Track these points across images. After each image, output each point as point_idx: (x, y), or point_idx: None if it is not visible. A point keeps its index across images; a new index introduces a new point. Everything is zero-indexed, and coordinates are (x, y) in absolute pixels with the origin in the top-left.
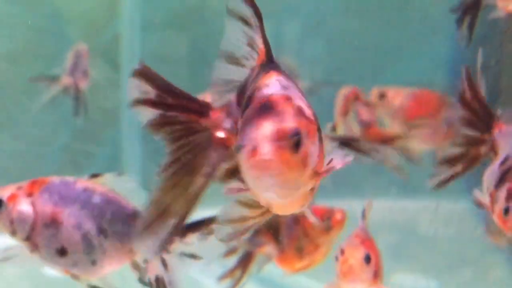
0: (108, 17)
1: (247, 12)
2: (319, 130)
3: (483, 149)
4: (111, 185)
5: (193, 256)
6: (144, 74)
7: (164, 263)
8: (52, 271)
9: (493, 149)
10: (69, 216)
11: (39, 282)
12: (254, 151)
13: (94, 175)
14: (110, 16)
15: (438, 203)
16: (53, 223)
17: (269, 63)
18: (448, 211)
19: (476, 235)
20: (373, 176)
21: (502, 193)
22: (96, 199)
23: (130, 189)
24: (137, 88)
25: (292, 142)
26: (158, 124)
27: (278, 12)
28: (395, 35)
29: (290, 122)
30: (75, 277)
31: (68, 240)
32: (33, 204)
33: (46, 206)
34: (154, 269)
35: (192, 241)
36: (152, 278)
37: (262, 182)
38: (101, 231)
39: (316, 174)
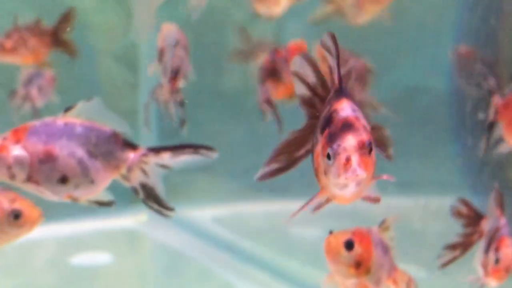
0: (126, 25)
1: (331, 47)
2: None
3: (475, 237)
4: (84, 112)
5: (165, 167)
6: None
7: (144, 172)
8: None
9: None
10: (60, 148)
11: (66, 271)
12: (347, 157)
13: (68, 109)
14: (128, 25)
15: (428, 200)
16: (48, 158)
17: (341, 91)
18: (438, 207)
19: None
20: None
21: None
22: (78, 129)
23: (101, 112)
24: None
25: (368, 149)
26: (306, 101)
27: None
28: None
29: (364, 136)
30: (75, 199)
31: (66, 169)
32: (24, 148)
33: (37, 146)
34: (137, 178)
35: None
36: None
37: (345, 179)
38: (91, 154)
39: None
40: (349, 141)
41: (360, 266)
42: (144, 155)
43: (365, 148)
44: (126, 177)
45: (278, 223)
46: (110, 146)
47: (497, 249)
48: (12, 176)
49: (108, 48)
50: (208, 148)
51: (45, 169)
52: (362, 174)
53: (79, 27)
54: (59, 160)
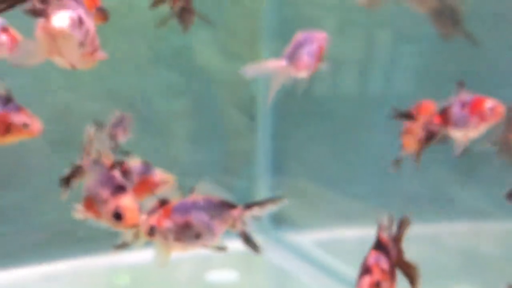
0: (248, 81)
1: None
2: None
3: None
4: (203, 190)
5: (257, 218)
6: None
7: (243, 223)
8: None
9: None
10: (195, 217)
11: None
12: None
13: (191, 189)
14: (250, 80)
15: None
16: (188, 225)
17: None
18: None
19: None
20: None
21: None
22: (202, 203)
23: (214, 188)
24: None
25: None
26: None
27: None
28: None
29: None
30: (205, 246)
31: (199, 229)
32: (172, 220)
33: (179, 218)
34: (239, 226)
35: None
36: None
37: None
38: (211, 217)
39: None
40: None
41: None
42: (242, 211)
43: None
44: (232, 227)
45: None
46: (221, 209)
47: None
48: (166, 238)
49: (231, 99)
50: (281, 200)
51: (185, 232)
52: None
53: (207, 82)
54: (194, 225)
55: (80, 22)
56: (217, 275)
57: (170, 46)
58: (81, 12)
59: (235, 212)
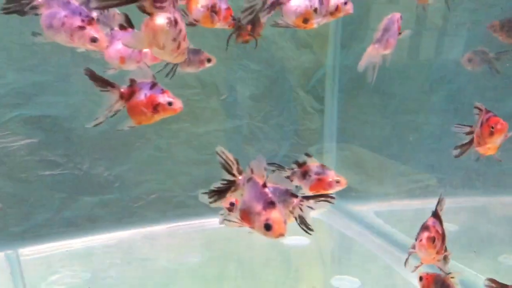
0: (316, 67)
1: None
2: None
3: None
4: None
5: (310, 208)
6: None
7: (301, 209)
8: None
9: None
10: None
11: (282, 250)
12: None
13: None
14: (318, 66)
15: None
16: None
17: None
18: None
19: None
20: None
21: None
22: (272, 189)
23: (281, 179)
24: None
25: None
26: None
27: None
28: None
29: None
30: None
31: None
32: None
33: None
34: (297, 211)
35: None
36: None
37: None
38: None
39: None
40: None
41: None
42: (301, 200)
43: None
44: (291, 212)
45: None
46: (285, 196)
47: None
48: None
49: (301, 84)
50: (332, 197)
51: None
52: None
53: (281, 69)
54: None
55: (175, 22)
56: (292, 240)
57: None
58: (177, 15)
59: (295, 200)
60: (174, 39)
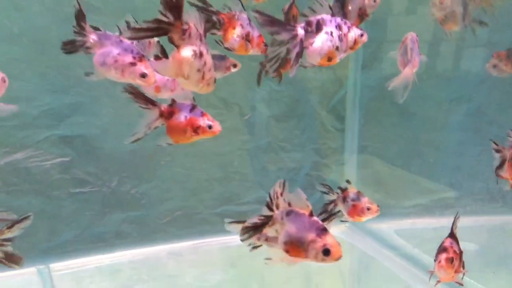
0: (337, 87)
1: None
2: None
3: None
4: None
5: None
6: None
7: None
8: None
9: None
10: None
11: (304, 269)
12: None
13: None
14: (339, 86)
15: None
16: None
17: None
18: None
19: None
20: None
21: None
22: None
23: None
24: None
25: None
26: None
27: None
28: None
29: None
30: None
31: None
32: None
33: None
34: None
35: None
36: None
37: None
38: None
39: None
40: None
41: None
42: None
43: None
44: None
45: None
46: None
47: None
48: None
49: (322, 103)
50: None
51: None
52: None
53: (302, 89)
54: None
55: (200, 55)
56: None
57: None
58: (203, 48)
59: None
60: (199, 70)
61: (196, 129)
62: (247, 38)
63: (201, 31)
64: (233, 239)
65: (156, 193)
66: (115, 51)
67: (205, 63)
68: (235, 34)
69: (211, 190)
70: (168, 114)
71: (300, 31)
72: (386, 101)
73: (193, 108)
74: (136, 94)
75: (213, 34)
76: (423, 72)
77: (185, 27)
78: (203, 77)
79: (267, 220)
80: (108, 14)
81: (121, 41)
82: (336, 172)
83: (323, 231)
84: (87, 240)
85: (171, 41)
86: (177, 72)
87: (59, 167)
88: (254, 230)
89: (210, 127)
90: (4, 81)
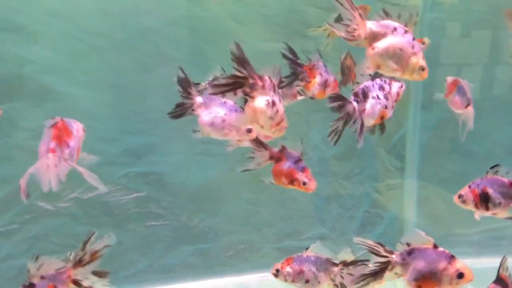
0: (397, 127)
1: None
2: None
3: None
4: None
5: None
6: None
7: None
8: None
9: None
10: (307, 270)
11: None
12: None
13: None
14: (399, 126)
15: None
16: (301, 274)
17: None
18: None
19: None
20: None
21: None
22: (313, 258)
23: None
24: None
25: None
26: None
27: None
28: None
29: None
30: None
31: (308, 277)
32: (292, 268)
33: (296, 267)
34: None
35: None
36: None
37: None
38: (318, 270)
39: None
40: None
41: None
42: (341, 268)
43: None
44: (332, 280)
45: None
46: (327, 265)
47: None
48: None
49: (382, 143)
50: (367, 260)
51: (299, 276)
52: None
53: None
54: (305, 273)
55: (273, 104)
56: None
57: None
58: (275, 98)
59: (336, 269)
60: (271, 118)
61: (293, 181)
62: (326, 85)
63: (275, 83)
64: None
65: (222, 227)
66: (221, 112)
67: (277, 111)
68: (316, 83)
69: (274, 225)
70: (277, 158)
71: (355, 104)
72: (446, 140)
73: (298, 161)
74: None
75: (298, 86)
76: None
77: (257, 80)
78: (277, 124)
79: (386, 266)
80: (183, 62)
81: (225, 102)
82: (396, 209)
83: (452, 257)
84: (159, 270)
85: (245, 93)
86: (251, 119)
87: (135, 201)
88: (374, 276)
89: (304, 183)
90: (84, 131)
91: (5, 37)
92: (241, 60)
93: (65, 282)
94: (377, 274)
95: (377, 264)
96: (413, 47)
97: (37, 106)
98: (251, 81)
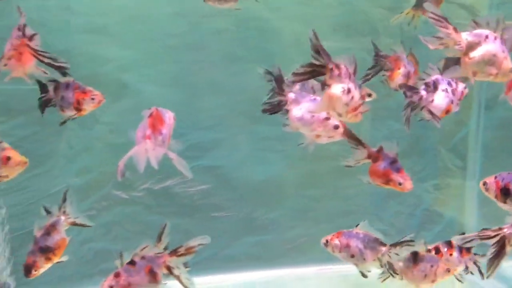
0: (459, 126)
1: None
2: None
3: None
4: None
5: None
6: None
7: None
8: None
9: None
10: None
11: None
12: None
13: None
14: (461, 126)
15: None
16: (347, 245)
17: None
18: None
19: None
20: None
21: None
22: (362, 235)
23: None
24: None
25: None
26: None
27: None
28: None
29: None
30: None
31: (354, 251)
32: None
33: (344, 240)
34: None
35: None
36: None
37: None
38: (365, 247)
39: None
40: None
41: None
42: (388, 248)
43: None
44: (379, 259)
45: None
46: (375, 244)
47: None
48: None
49: (444, 142)
50: (412, 240)
51: (345, 250)
52: None
53: (425, 129)
54: (351, 248)
55: (348, 91)
56: None
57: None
58: (351, 85)
59: (384, 248)
60: (347, 104)
61: (388, 181)
62: (408, 75)
63: (351, 71)
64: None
65: (283, 220)
66: (311, 108)
67: (352, 98)
68: (400, 74)
69: (333, 220)
70: (374, 158)
71: (423, 92)
72: (509, 140)
73: (394, 161)
74: (351, 136)
75: (383, 75)
76: None
77: (334, 68)
78: (353, 109)
79: (503, 241)
80: (250, 62)
81: (315, 99)
82: (456, 209)
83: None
84: (222, 259)
85: (323, 83)
86: (328, 106)
87: (201, 193)
88: (499, 257)
89: (400, 184)
90: (174, 119)
91: (88, 38)
92: (319, 49)
93: (160, 266)
94: (499, 253)
95: (494, 246)
96: (503, 52)
97: (114, 102)
98: (329, 69)
